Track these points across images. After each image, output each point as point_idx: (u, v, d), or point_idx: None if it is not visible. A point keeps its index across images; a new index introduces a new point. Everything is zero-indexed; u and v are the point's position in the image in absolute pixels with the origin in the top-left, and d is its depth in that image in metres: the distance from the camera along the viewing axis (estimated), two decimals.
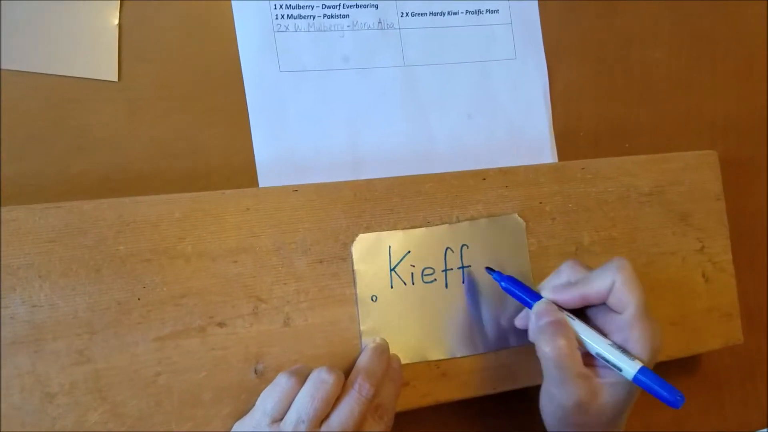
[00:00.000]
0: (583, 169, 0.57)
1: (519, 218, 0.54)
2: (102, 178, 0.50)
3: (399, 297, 0.50)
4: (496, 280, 0.51)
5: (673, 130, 0.67)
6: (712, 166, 0.61)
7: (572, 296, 0.47)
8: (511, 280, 0.50)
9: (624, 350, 0.44)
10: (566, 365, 0.44)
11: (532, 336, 0.47)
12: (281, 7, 0.54)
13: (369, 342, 0.49)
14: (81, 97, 0.49)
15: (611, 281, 0.45)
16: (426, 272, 0.51)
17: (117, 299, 0.44)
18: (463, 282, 0.52)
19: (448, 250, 0.52)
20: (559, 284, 0.48)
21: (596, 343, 0.45)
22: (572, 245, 0.56)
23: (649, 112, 0.66)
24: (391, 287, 0.50)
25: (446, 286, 0.51)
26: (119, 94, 0.50)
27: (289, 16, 0.54)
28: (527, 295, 0.49)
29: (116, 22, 0.50)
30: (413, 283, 0.51)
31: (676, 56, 0.68)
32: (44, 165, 0.48)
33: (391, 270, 0.50)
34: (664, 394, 0.42)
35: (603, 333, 0.46)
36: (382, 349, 0.48)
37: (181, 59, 0.52)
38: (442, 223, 0.52)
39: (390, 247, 0.50)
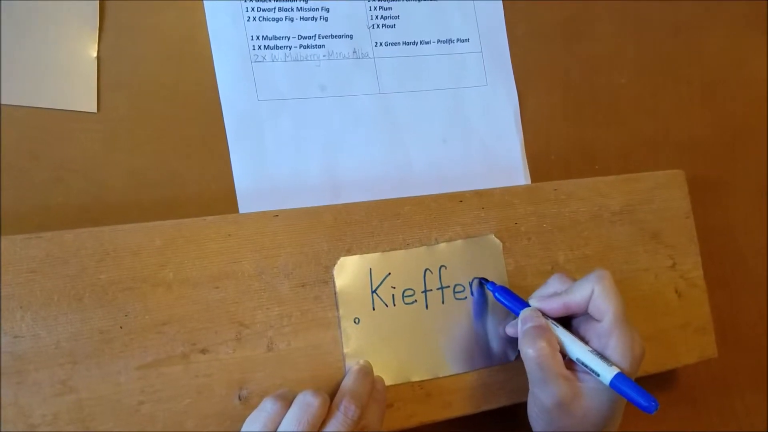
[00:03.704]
0: (555, 190, 0.58)
1: (496, 239, 0.55)
2: (81, 208, 0.50)
3: (381, 319, 0.51)
4: (489, 290, 0.53)
5: (641, 151, 0.69)
6: (680, 185, 0.63)
7: (556, 304, 0.49)
8: (504, 290, 0.52)
9: (602, 356, 0.46)
10: (547, 366, 0.46)
11: (519, 342, 0.49)
12: (258, 38, 0.55)
13: (353, 364, 0.49)
14: (60, 129, 0.50)
15: (590, 290, 0.47)
16: (407, 293, 0.52)
17: (99, 328, 0.44)
18: (442, 302, 0.52)
19: (427, 271, 0.52)
20: (546, 294, 0.50)
21: (576, 349, 0.47)
22: (548, 264, 0.57)
23: (616, 134, 0.68)
24: (373, 309, 0.51)
25: (426, 307, 0.52)
26: (98, 125, 0.51)
27: (266, 47, 0.56)
28: (517, 304, 0.51)
29: (95, 54, 0.51)
30: (394, 305, 0.51)
31: (641, 81, 0.70)
32: (23, 196, 0.48)
33: (372, 292, 0.51)
34: (639, 399, 0.44)
35: (585, 341, 0.48)
36: (366, 371, 0.48)
37: (160, 90, 0.53)
38: (421, 245, 0.53)
39: (371, 269, 0.51)
